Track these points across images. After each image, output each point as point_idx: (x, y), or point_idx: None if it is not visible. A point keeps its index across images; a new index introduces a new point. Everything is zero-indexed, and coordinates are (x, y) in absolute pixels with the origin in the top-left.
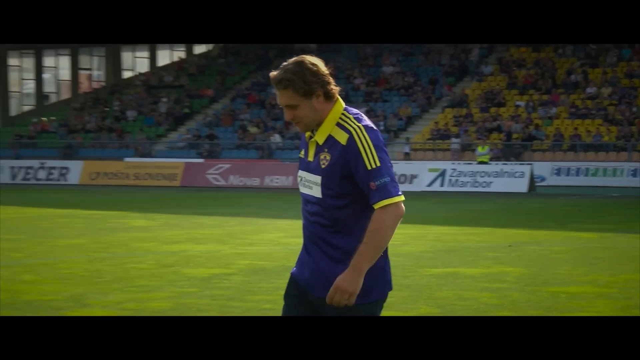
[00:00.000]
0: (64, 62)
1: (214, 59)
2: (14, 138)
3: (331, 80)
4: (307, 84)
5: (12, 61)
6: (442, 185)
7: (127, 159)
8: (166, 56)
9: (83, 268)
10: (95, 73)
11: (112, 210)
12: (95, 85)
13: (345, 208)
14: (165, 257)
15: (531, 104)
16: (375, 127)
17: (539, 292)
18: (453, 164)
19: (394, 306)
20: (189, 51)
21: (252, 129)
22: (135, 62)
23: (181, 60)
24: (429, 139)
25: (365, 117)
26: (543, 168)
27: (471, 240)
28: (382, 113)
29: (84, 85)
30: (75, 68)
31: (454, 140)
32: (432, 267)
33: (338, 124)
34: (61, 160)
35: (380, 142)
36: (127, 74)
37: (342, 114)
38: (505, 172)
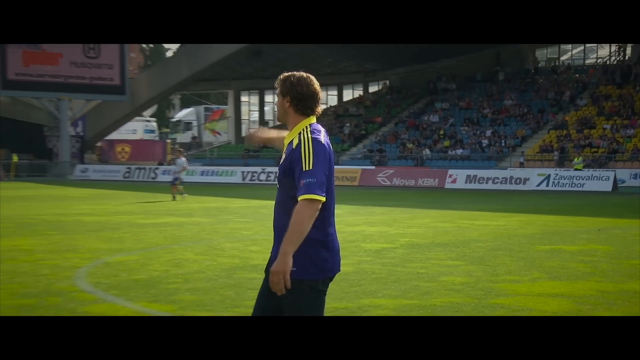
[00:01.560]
0: None
1: (383, 95)
2: (244, 151)
3: (313, 102)
4: (284, 87)
5: (244, 98)
6: (547, 186)
7: None
8: (349, 94)
9: None
10: None
11: None
12: None
13: (293, 199)
14: (348, 235)
15: (615, 126)
16: (323, 142)
17: (621, 263)
18: (556, 170)
19: (514, 272)
20: (365, 89)
21: (409, 145)
22: (327, 97)
23: (360, 97)
24: (538, 152)
25: (320, 134)
26: (624, 173)
27: (569, 226)
28: (504, 133)
29: None
30: None
31: (556, 153)
32: (540, 244)
33: (299, 133)
34: (276, 168)
35: (321, 154)
36: (321, 107)
37: (306, 127)
38: (595, 176)
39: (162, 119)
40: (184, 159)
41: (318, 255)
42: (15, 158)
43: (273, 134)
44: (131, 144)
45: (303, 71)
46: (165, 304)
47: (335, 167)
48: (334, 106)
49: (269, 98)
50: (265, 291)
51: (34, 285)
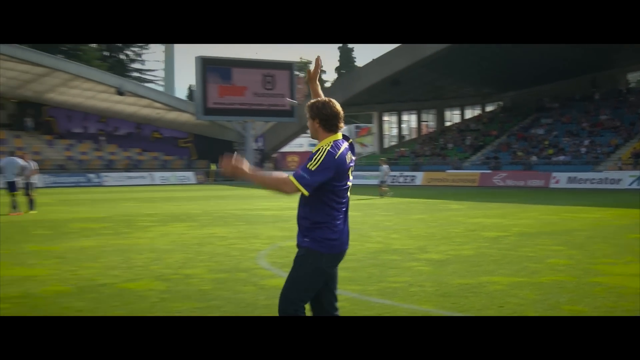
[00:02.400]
0: (412, 117)
1: (497, 114)
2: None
3: (337, 120)
4: (312, 111)
5: (385, 118)
6: (638, 185)
7: (448, 171)
8: (470, 113)
9: (425, 230)
10: (430, 123)
11: (440, 199)
12: (429, 130)
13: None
14: (470, 225)
15: None
16: (336, 156)
17: None
18: None
19: (610, 256)
20: (483, 109)
21: (519, 153)
22: (453, 116)
23: (479, 115)
24: (630, 157)
25: (339, 149)
26: None
27: None
28: (599, 142)
29: (424, 130)
30: (419, 121)
31: None
32: (632, 233)
33: (322, 146)
34: (411, 172)
35: (328, 163)
36: (447, 123)
37: (330, 142)
38: None
39: None
40: (386, 166)
41: (324, 235)
42: (213, 167)
43: None
44: (298, 155)
45: (327, 97)
46: None
47: (459, 171)
48: (457, 123)
49: (405, 117)
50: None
51: (227, 264)
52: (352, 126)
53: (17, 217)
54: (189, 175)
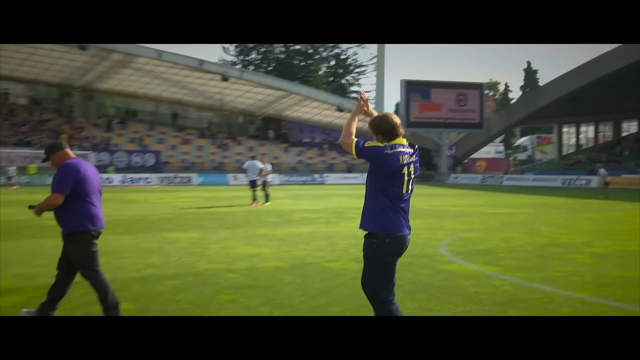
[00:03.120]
0: (590, 128)
1: None
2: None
3: (395, 131)
4: (373, 128)
5: (564, 129)
6: None
7: (623, 175)
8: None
9: (592, 227)
10: (607, 133)
11: (612, 200)
12: (606, 139)
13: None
14: (637, 224)
15: None
16: (377, 148)
17: None
18: None
19: None
20: None
21: None
22: (630, 127)
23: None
24: None
25: (392, 149)
26: None
27: None
28: None
29: (601, 140)
30: (596, 131)
31: None
32: None
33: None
34: (587, 176)
35: (376, 150)
36: (624, 134)
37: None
38: None
39: (507, 143)
40: (603, 170)
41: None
42: None
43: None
44: (486, 160)
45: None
46: (494, 266)
47: (634, 175)
48: (634, 133)
49: (582, 128)
50: None
51: (412, 250)
52: (534, 136)
53: (256, 207)
54: None
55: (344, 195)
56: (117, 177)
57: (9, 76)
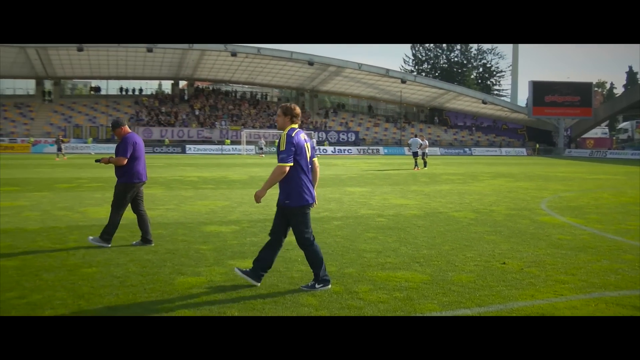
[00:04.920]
0: None
1: None
2: None
3: (295, 117)
4: (285, 110)
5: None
6: None
7: None
8: None
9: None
10: None
11: None
12: None
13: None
14: None
15: None
16: (294, 135)
17: None
18: None
19: None
20: None
21: None
22: None
23: None
24: None
25: (296, 132)
26: None
27: None
28: None
29: None
30: None
31: None
32: None
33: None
34: None
35: (292, 140)
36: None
37: (288, 129)
38: None
39: (611, 127)
40: None
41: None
42: (537, 146)
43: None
44: (594, 139)
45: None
46: (579, 219)
47: None
48: None
49: None
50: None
51: (519, 204)
52: (634, 121)
53: (416, 171)
54: (523, 150)
55: (481, 164)
56: (329, 149)
57: (268, 84)
